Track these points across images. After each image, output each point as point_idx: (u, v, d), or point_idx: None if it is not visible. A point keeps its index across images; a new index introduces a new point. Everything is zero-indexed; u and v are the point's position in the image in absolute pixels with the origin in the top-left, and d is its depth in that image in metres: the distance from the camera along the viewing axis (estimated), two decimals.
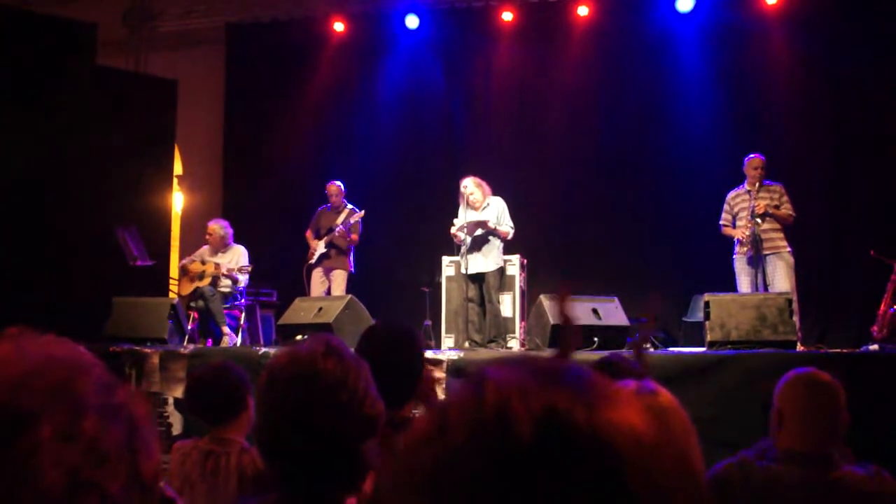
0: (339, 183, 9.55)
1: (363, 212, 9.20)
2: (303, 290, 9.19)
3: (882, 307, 7.96)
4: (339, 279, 9.31)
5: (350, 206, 9.48)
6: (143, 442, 0.92)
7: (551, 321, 7.18)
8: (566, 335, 0.85)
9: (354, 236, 9.29)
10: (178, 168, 12.11)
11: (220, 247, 9.25)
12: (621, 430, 0.72)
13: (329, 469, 1.74)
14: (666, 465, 0.73)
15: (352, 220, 9.17)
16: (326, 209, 9.58)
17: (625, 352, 5.92)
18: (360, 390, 1.78)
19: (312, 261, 9.36)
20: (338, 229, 9.20)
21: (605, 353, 5.16)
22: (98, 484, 0.85)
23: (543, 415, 0.71)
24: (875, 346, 7.55)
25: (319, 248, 9.31)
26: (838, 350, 7.13)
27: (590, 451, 0.70)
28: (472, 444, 0.72)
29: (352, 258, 9.40)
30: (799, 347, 6.92)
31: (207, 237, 9.31)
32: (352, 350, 1.97)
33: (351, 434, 1.76)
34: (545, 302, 7.51)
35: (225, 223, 9.41)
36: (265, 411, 1.79)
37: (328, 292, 9.17)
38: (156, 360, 7.33)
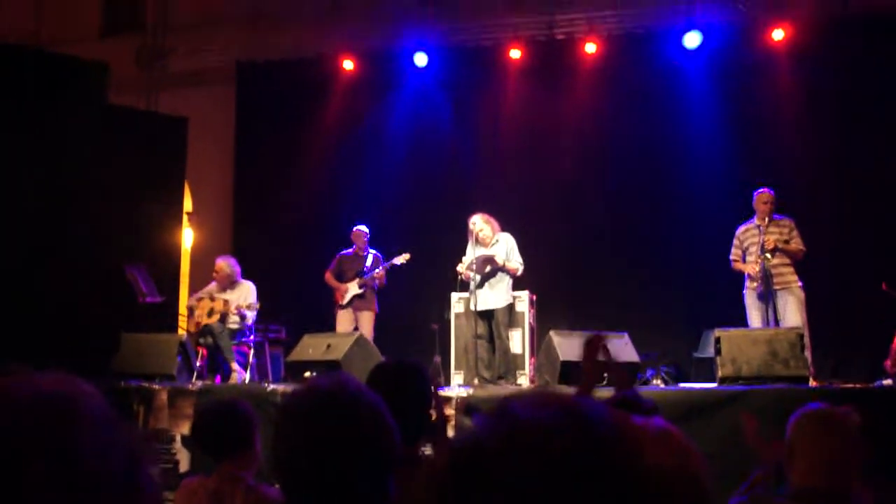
0: (364, 228, 9.70)
1: (408, 255, 9.29)
2: (311, 326, 9.18)
3: (895, 341, 7.91)
4: (368, 319, 9.45)
5: (374, 251, 9.65)
6: (143, 478, 0.91)
7: (561, 358, 7.15)
8: (589, 375, 0.86)
9: (384, 280, 9.46)
10: (188, 205, 12.15)
11: (228, 284, 9.27)
12: (650, 464, 0.72)
13: (349, 502, 1.73)
14: (686, 495, 0.74)
15: (398, 262, 9.27)
16: (348, 254, 9.70)
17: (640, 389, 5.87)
18: (378, 426, 1.77)
19: (343, 302, 9.47)
20: (377, 270, 9.37)
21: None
22: None
23: (582, 456, 0.71)
24: (889, 381, 7.49)
25: (352, 289, 9.43)
26: (851, 385, 7.08)
27: (621, 485, 0.70)
28: (507, 483, 0.71)
29: (377, 301, 9.57)
30: (812, 383, 6.87)
31: (215, 275, 9.35)
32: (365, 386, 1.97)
33: (370, 470, 1.75)
34: (555, 338, 7.47)
35: (232, 260, 9.44)
36: (284, 447, 1.78)
37: None
38: (164, 396, 7.32)
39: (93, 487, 0.85)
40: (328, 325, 9.30)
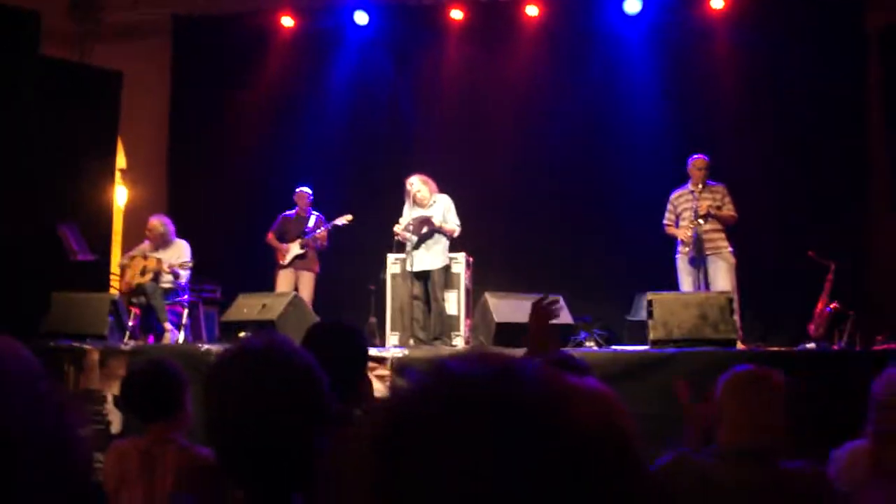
0: (307, 189, 9.69)
1: (350, 216, 9.31)
2: (246, 286, 9.12)
3: (819, 306, 8.13)
4: (309, 280, 9.50)
5: (316, 213, 9.65)
6: (72, 436, 0.90)
7: (496, 320, 7.20)
8: (537, 337, 0.88)
9: (326, 241, 9.49)
10: (121, 162, 11.91)
11: (161, 243, 9.14)
12: (581, 420, 0.74)
13: (284, 463, 1.73)
14: (614, 452, 0.75)
15: (339, 222, 9.30)
16: (290, 215, 9.68)
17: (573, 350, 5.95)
18: (311, 385, 1.77)
19: (284, 262, 9.47)
20: (318, 231, 9.40)
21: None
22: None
23: (510, 409, 0.72)
24: (812, 345, 7.71)
25: (294, 249, 9.44)
26: (777, 348, 7.27)
27: (551, 439, 0.71)
28: (436, 438, 0.72)
29: (319, 262, 9.61)
30: (739, 346, 7.03)
31: (148, 233, 9.20)
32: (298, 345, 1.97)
33: (302, 429, 1.75)
34: (490, 300, 7.53)
35: (166, 219, 9.31)
36: (216, 407, 1.77)
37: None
38: (95, 356, 7.22)
39: (20, 444, 0.83)
40: (265, 286, 9.25)
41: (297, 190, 9.69)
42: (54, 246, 8.91)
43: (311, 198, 9.70)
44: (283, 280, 9.47)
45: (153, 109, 12.28)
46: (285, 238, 9.56)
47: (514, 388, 0.75)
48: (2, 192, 8.80)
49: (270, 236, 9.65)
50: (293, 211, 9.72)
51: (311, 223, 9.56)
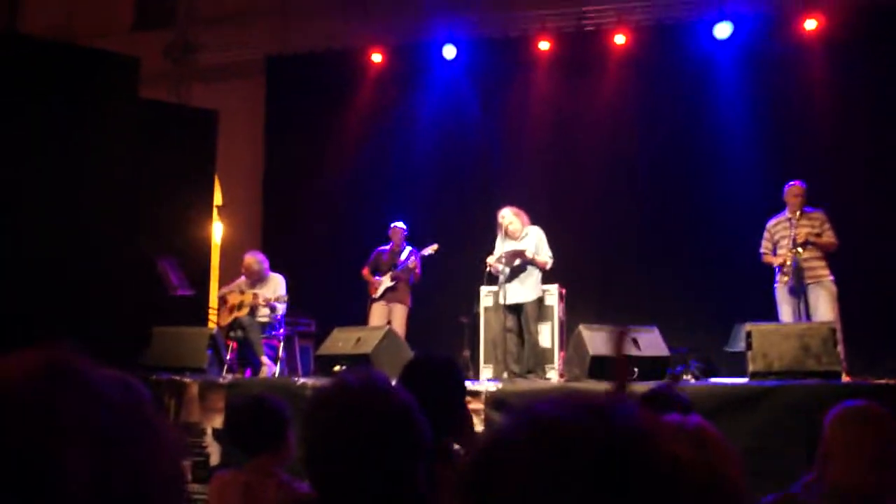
0: (402, 225, 9.81)
1: (437, 245, 9.42)
2: (341, 320, 9.23)
3: None
4: (400, 313, 9.58)
5: (410, 247, 9.73)
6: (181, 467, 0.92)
7: (590, 353, 7.12)
8: (620, 371, 0.86)
9: (419, 272, 9.55)
10: (218, 198, 12.22)
11: (257, 279, 9.32)
12: (673, 464, 0.72)
13: (382, 499, 1.73)
14: (714, 494, 0.74)
15: (426, 253, 9.41)
16: (384, 250, 9.82)
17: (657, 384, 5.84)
18: (408, 422, 1.77)
19: (376, 295, 9.59)
20: (409, 261, 9.50)
21: (650, 384, 5.11)
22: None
23: (603, 455, 0.70)
24: None
25: (386, 282, 9.55)
26: (886, 381, 7.00)
27: (647, 485, 0.70)
28: (529, 482, 0.71)
29: (411, 294, 9.68)
30: (844, 378, 6.80)
31: (243, 271, 9.40)
32: (394, 381, 1.97)
33: (400, 466, 1.75)
34: (584, 332, 7.45)
35: (260, 255, 9.49)
36: (314, 443, 1.78)
37: None
38: (195, 390, 7.37)
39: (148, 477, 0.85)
40: (360, 319, 9.35)
41: (392, 225, 9.80)
42: (154, 281, 9.14)
43: (406, 232, 9.79)
44: (377, 313, 9.56)
45: (248, 147, 12.59)
46: (379, 273, 9.67)
47: (606, 435, 0.73)
48: (105, 228, 9.09)
49: (365, 271, 9.77)
50: (388, 246, 9.82)
51: (403, 257, 9.63)
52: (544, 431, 0.75)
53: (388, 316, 9.51)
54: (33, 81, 8.75)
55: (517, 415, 0.79)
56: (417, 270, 9.55)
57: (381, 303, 9.58)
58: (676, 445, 0.76)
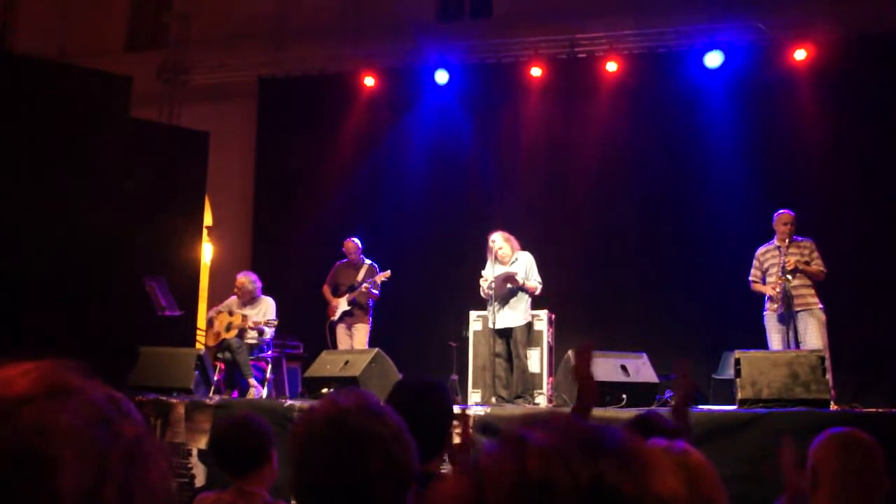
0: (356, 240, 9.77)
1: (389, 272, 9.29)
2: (329, 342, 9.23)
3: None
4: (362, 333, 9.48)
5: (368, 261, 9.66)
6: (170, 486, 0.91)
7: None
8: (588, 393, 0.86)
9: (376, 292, 9.44)
10: (208, 219, 12.21)
11: (249, 300, 9.30)
12: (663, 498, 0.72)
13: None
14: None
15: (378, 280, 9.32)
16: (343, 265, 9.76)
17: (661, 409, 5.84)
18: (396, 444, 1.76)
19: (335, 317, 9.53)
20: (363, 286, 9.37)
21: (637, 410, 5.10)
22: None
23: (590, 486, 0.70)
24: None
25: (342, 305, 9.51)
26: (874, 409, 7.00)
27: None
28: None
29: (371, 313, 9.57)
30: (833, 406, 6.80)
31: (236, 290, 9.37)
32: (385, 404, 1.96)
33: (387, 488, 1.73)
34: (573, 357, 7.43)
35: (254, 276, 9.47)
36: (301, 465, 1.77)
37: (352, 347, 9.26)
38: (181, 410, 7.33)
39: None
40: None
41: (347, 240, 9.78)
42: (142, 301, 9.11)
43: (361, 248, 9.76)
44: (342, 335, 9.53)
45: (239, 168, 12.60)
46: (338, 291, 9.62)
47: (587, 461, 0.73)
48: (93, 247, 9.06)
49: (325, 289, 9.75)
50: (345, 260, 9.79)
51: (361, 274, 9.57)
52: (528, 458, 0.74)
53: (351, 338, 9.48)
54: (26, 101, 8.76)
55: (502, 441, 0.79)
56: (374, 292, 9.46)
57: (342, 325, 9.55)
58: (662, 478, 0.76)
